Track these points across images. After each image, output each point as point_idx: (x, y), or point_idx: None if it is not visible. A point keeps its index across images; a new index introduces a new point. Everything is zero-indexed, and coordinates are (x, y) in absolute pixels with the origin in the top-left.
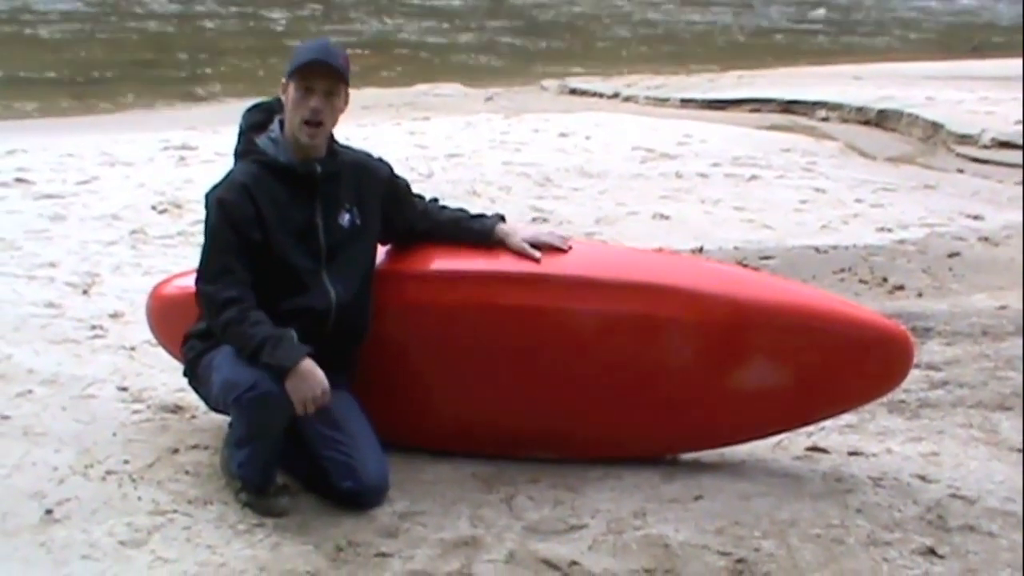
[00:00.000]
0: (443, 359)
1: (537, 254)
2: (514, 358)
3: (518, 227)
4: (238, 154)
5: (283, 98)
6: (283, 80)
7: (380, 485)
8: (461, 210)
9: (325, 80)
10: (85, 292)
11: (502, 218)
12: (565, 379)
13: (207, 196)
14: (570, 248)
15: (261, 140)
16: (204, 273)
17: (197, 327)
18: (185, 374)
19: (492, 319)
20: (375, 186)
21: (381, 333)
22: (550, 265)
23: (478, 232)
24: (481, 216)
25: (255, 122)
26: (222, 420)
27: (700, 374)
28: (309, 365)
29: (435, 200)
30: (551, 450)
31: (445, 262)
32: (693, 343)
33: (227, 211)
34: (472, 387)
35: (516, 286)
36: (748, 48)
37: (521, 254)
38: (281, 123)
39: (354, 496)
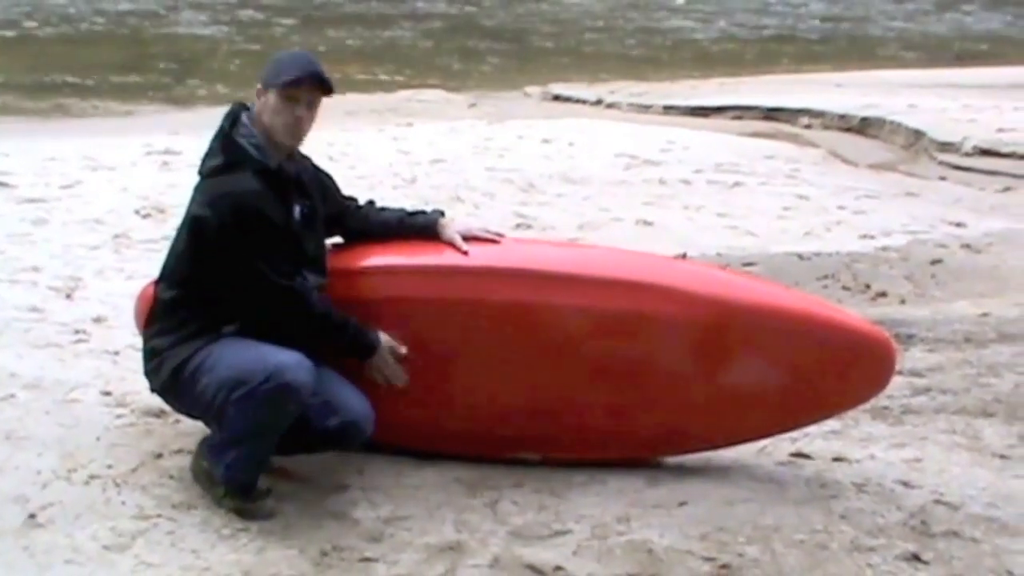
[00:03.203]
0: (427, 355)
1: (466, 247)
2: (498, 354)
3: (454, 221)
4: (231, 161)
5: (256, 102)
6: (259, 86)
7: (366, 417)
8: (401, 209)
9: (309, 92)
10: (68, 296)
11: (441, 213)
12: (549, 376)
13: (215, 209)
14: (502, 239)
15: (245, 145)
16: (281, 278)
17: (165, 340)
18: (158, 388)
19: (477, 314)
20: (309, 177)
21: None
22: (538, 261)
23: (422, 226)
24: (422, 212)
25: (231, 124)
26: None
27: (682, 375)
28: None
29: (371, 202)
30: (534, 449)
31: (431, 257)
32: (676, 342)
33: (259, 216)
34: (455, 384)
35: (503, 281)
36: (731, 55)
37: (451, 245)
38: (251, 122)
39: (342, 432)
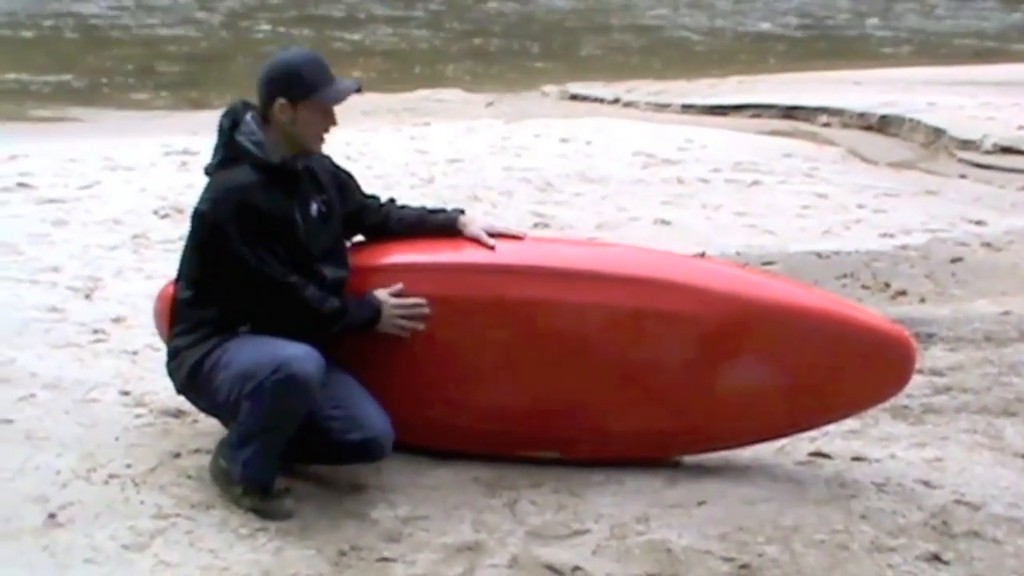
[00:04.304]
0: (445, 352)
1: (492, 242)
2: (517, 352)
3: (476, 218)
4: (228, 159)
5: (278, 114)
6: (282, 100)
7: (387, 434)
8: (421, 207)
9: None
10: (87, 296)
11: (462, 211)
12: (568, 374)
13: (213, 204)
14: (524, 238)
15: (244, 142)
16: (274, 273)
17: (185, 340)
18: (180, 387)
19: (496, 312)
20: (326, 174)
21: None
22: (557, 258)
23: (442, 223)
24: (442, 210)
25: (230, 124)
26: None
27: (702, 373)
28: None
29: (392, 200)
30: (553, 448)
31: (450, 254)
32: (695, 341)
33: (253, 208)
34: (474, 381)
35: (521, 279)
36: (749, 53)
37: (477, 241)
38: (255, 121)
39: (363, 447)
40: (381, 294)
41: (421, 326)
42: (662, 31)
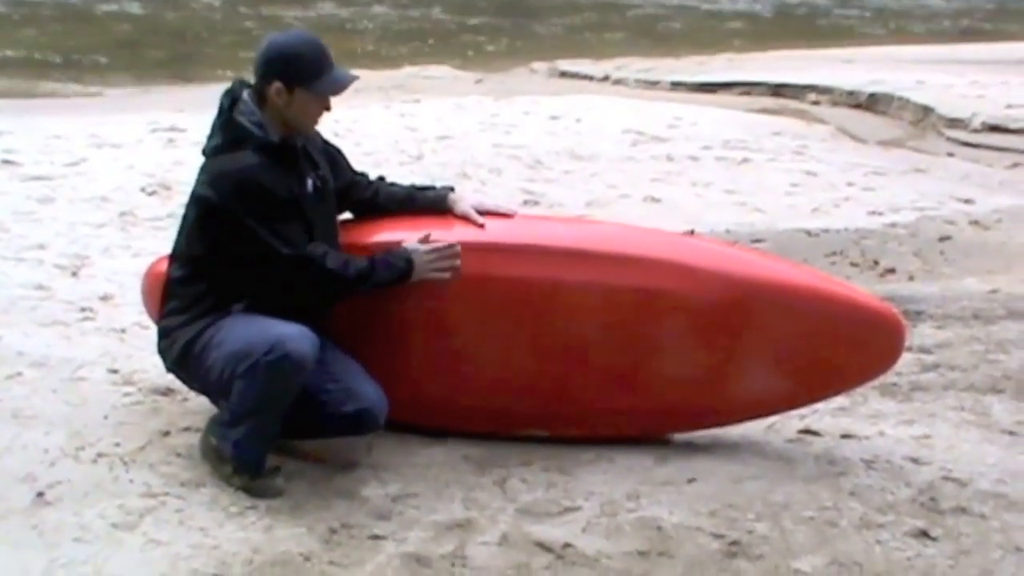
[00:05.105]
0: (436, 331)
1: (481, 220)
2: (508, 330)
3: (466, 196)
4: (232, 140)
5: (274, 96)
6: (278, 83)
7: (380, 406)
8: (411, 185)
9: None
10: (74, 274)
11: (451, 189)
12: (559, 352)
13: (217, 188)
14: (514, 216)
15: (245, 123)
16: (292, 249)
17: (177, 319)
18: (171, 366)
19: (488, 290)
20: (318, 150)
21: (376, 304)
22: (547, 237)
23: (432, 200)
24: (432, 187)
25: (230, 103)
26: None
27: (691, 351)
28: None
29: (381, 178)
30: (543, 426)
31: (435, 231)
32: (684, 319)
33: (261, 190)
34: (465, 360)
35: (513, 257)
36: (738, 31)
37: (466, 218)
38: (254, 101)
39: (357, 418)
40: (411, 244)
41: (458, 262)
42: (628, 9)
